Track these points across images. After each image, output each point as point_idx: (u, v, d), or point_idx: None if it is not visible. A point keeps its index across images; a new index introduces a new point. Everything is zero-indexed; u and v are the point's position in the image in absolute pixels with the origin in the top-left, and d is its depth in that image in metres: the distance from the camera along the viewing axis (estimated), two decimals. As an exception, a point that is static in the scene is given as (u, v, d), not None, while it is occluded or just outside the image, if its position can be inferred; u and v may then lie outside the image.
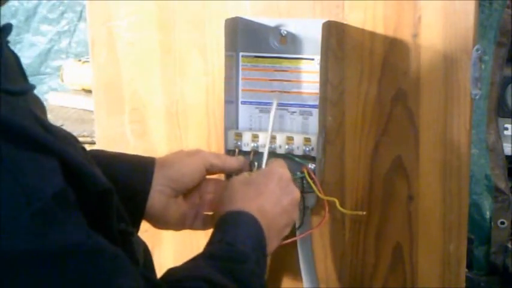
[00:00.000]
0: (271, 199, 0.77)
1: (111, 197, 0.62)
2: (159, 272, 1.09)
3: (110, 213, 0.63)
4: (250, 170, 0.90)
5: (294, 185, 0.82)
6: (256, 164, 0.92)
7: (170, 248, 1.08)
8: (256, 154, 0.94)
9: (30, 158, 0.52)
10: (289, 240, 0.94)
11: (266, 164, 0.89)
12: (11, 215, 0.50)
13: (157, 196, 0.82)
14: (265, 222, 0.74)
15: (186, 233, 1.06)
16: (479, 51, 0.90)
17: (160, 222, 0.84)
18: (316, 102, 0.94)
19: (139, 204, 0.81)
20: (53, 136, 0.56)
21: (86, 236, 0.55)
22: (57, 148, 0.55)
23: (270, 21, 0.95)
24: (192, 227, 0.87)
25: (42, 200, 0.51)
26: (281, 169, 0.82)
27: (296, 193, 0.82)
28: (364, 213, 0.96)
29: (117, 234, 0.65)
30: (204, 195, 0.87)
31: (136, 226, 0.82)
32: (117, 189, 0.65)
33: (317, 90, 0.93)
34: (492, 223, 1.45)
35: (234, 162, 0.88)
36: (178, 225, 0.86)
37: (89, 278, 0.54)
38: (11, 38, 0.60)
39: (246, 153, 0.96)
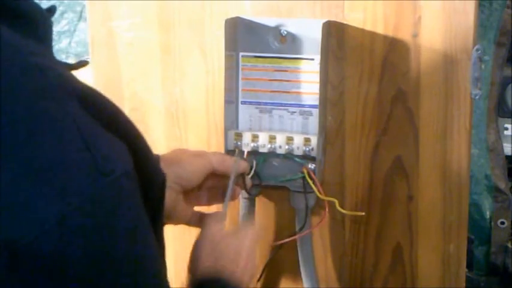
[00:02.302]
0: (243, 267, 0.80)
1: (164, 189, 0.61)
2: (159, 272, 1.09)
3: (162, 204, 0.62)
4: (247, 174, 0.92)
5: (253, 256, 0.83)
6: (253, 168, 0.93)
7: (170, 248, 1.08)
8: (249, 154, 0.95)
9: (104, 133, 0.50)
10: (289, 239, 0.94)
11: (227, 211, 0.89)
12: (78, 185, 0.47)
13: (168, 192, 0.82)
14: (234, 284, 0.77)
15: (186, 233, 1.06)
16: (479, 51, 0.89)
17: (168, 218, 0.85)
18: (316, 102, 0.94)
19: None
20: (127, 118, 0.54)
21: (148, 224, 0.54)
22: (130, 133, 0.53)
23: (270, 21, 0.95)
24: (188, 222, 0.89)
25: (112, 175, 0.49)
26: (253, 232, 0.84)
27: (256, 260, 0.84)
28: (363, 213, 0.96)
29: (162, 226, 0.64)
30: (201, 192, 0.89)
31: None
32: None
33: (317, 90, 0.93)
34: (492, 223, 1.45)
35: (234, 169, 0.89)
36: (180, 220, 0.88)
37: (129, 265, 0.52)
38: None
39: (246, 153, 0.96)
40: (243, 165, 0.91)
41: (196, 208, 0.91)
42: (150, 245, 0.55)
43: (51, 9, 0.58)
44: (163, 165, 0.82)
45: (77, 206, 0.47)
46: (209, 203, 0.91)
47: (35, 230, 0.45)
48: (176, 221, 0.88)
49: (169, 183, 0.81)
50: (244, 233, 0.85)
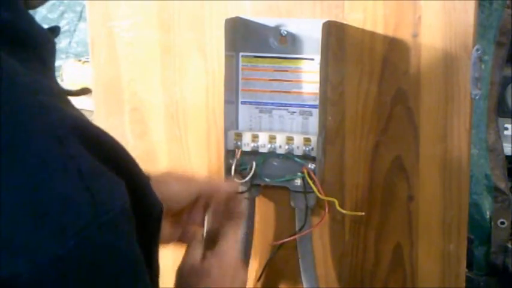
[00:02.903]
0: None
1: (161, 220, 0.61)
2: (160, 272, 1.09)
3: (158, 233, 0.62)
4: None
5: (242, 268, 0.82)
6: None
7: (170, 248, 1.08)
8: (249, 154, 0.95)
9: (102, 170, 0.50)
10: (289, 239, 0.94)
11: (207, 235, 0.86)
12: (75, 224, 0.47)
13: None
14: None
15: (186, 233, 1.06)
16: (479, 51, 0.90)
17: None
18: (316, 102, 0.94)
19: None
20: (125, 153, 0.54)
21: (145, 270, 0.55)
22: (128, 168, 0.54)
23: (270, 21, 0.95)
24: (180, 239, 0.88)
25: (110, 213, 0.49)
26: (231, 255, 0.82)
27: (245, 278, 0.83)
28: (363, 213, 0.96)
29: (156, 254, 0.65)
30: (194, 213, 0.87)
31: None
32: None
33: (317, 90, 0.93)
34: (492, 223, 1.45)
35: (224, 192, 0.86)
36: (167, 241, 0.86)
37: None
38: None
39: (246, 153, 0.96)
40: (233, 186, 0.88)
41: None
42: (146, 283, 0.56)
43: (55, 29, 0.59)
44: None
45: (73, 246, 0.47)
46: (199, 224, 0.87)
47: (31, 269, 0.46)
48: (164, 241, 0.87)
49: None
50: (222, 257, 0.82)
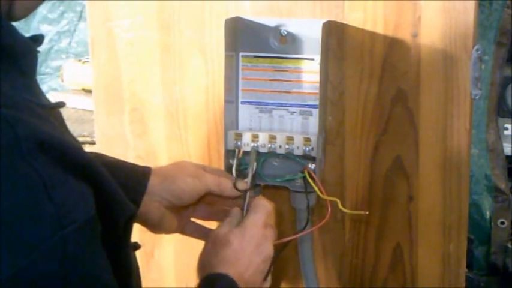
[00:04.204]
0: (247, 263, 0.82)
1: (132, 222, 0.63)
2: (160, 272, 1.09)
3: (128, 236, 0.64)
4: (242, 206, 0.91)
5: (267, 242, 0.85)
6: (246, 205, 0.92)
7: (170, 248, 1.08)
8: (246, 154, 0.95)
9: (67, 180, 0.52)
10: (291, 238, 0.94)
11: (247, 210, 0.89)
12: (41, 234, 0.49)
13: (156, 206, 0.85)
14: (242, 285, 0.79)
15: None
16: (479, 51, 0.89)
17: (155, 228, 0.88)
18: (316, 102, 0.94)
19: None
20: (92, 161, 0.55)
21: (109, 274, 0.56)
22: (95, 176, 0.55)
23: (270, 21, 0.95)
24: (182, 231, 0.91)
25: (74, 224, 0.51)
26: (255, 229, 0.85)
27: (269, 251, 0.85)
28: (367, 212, 0.96)
29: (129, 253, 0.66)
30: (199, 206, 0.91)
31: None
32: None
33: (317, 90, 0.93)
34: (492, 223, 1.45)
35: (231, 192, 0.89)
36: (171, 230, 0.90)
37: None
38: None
39: (246, 153, 0.96)
40: (243, 187, 0.90)
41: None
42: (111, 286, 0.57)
43: (38, 38, 0.60)
44: (155, 179, 0.84)
45: (36, 258, 0.48)
46: (208, 218, 0.92)
47: None
48: (165, 231, 0.90)
49: (158, 197, 0.84)
50: (247, 229, 0.85)
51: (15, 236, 0.48)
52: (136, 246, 0.72)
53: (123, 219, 0.61)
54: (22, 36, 0.58)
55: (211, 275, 0.79)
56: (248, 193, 0.91)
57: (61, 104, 0.61)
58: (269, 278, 0.88)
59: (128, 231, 0.64)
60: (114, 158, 0.87)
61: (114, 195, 0.59)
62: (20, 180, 0.49)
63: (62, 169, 0.51)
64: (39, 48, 0.62)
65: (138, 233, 1.08)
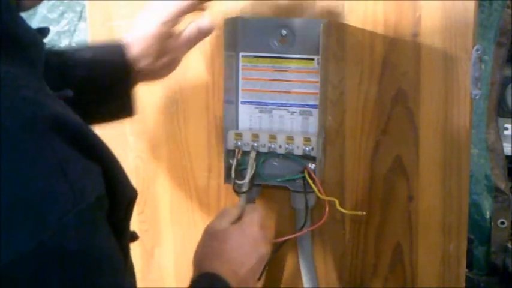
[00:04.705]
0: (243, 261, 0.83)
1: (134, 204, 0.64)
2: (160, 272, 1.09)
3: (128, 221, 0.65)
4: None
5: (264, 242, 0.87)
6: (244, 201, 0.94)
7: (170, 248, 1.08)
8: (245, 154, 0.95)
9: (79, 160, 0.54)
10: (288, 237, 0.94)
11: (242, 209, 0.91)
12: (56, 211, 0.50)
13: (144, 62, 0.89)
14: (235, 284, 0.80)
15: (186, 233, 1.06)
16: (479, 51, 0.89)
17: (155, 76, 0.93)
18: (316, 102, 0.94)
19: (127, 93, 0.90)
20: (101, 142, 0.58)
21: (118, 254, 0.58)
22: (104, 156, 0.57)
23: (270, 21, 0.95)
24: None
25: (87, 200, 0.53)
26: (253, 228, 0.86)
27: (265, 251, 0.87)
28: (364, 213, 0.96)
29: (128, 239, 0.67)
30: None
31: (131, 111, 0.92)
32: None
33: (317, 90, 0.93)
34: (492, 223, 1.45)
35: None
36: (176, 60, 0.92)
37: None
38: None
39: (246, 153, 0.96)
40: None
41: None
42: (120, 266, 0.59)
43: (44, 31, 0.62)
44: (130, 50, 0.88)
45: (53, 233, 0.50)
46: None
47: (12, 254, 0.48)
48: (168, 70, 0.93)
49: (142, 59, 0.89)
50: (245, 227, 0.86)
51: (32, 212, 0.50)
52: (134, 235, 0.73)
53: (126, 201, 0.62)
54: (30, 28, 0.59)
55: (206, 274, 0.80)
56: (246, 194, 0.92)
57: (68, 93, 0.63)
58: (262, 278, 0.88)
59: (129, 215, 0.65)
60: (84, 51, 0.91)
61: (120, 177, 0.60)
62: (37, 158, 0.51)
63: (74, 148, 0.53)
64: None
65: (137, 232, 1.08)
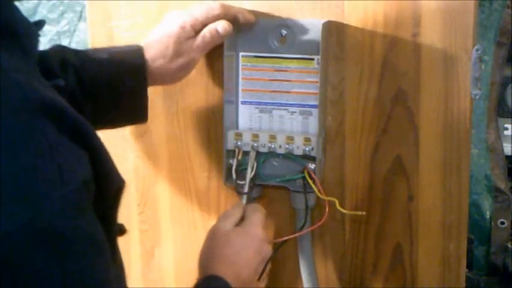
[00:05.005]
0: (246, 263, 0.85)
1: (121, 193, 0.66)
2: (160, 272, 1.09)
3: (115, 211, 0.66)
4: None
5: (267, 243, 0.88)
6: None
7: (170, 248, 1.08)
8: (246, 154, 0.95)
9: (67, 144, 0.55)
10: (288, 237, 0.94)
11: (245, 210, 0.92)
12: (44, 191, 0.52)
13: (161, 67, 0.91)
14: (238, 285, 0.82)
15: (186, 233, 1.06)
16: (479, 51, 0.89)
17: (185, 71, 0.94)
18: (316, 102, 0.94)
19: (141, 98, 0.92)
20: (89, 128, 0.59)
21: (104, 238, 0.59)
22: (92, 143, 0.59)
23: (270, 21, 0.95)
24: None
25: (74, 183, 0.54)
26: (256, 229, 0.88)
27: (268, 252, 0.88)
28: (364, 213, 0.96)
29: (115, 231, 0.68)
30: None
31: (144, 116, 0.94)
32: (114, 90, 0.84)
33: (317, 90, 0.93)
34: (492, 223, 1.45)
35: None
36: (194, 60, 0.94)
37: (88, 273, 0.56)
38: None
39: (246, 153, 0.96)
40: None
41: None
42: (105, 251, 0.60)
43: (40, 22, 0.65)
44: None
45: (40, 212, 0.52)
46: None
47: (2, 234, 0.50)
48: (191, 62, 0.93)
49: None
50: (248, 229, 0.86)
51: (20, 191, 0.51)
52: (122, 229, 0.73)
53: (113, 190, 0.64)
54: (24, 17, 0.61)
55: (209, 276, 0.81)
56: (247, 194, 0.92)
57: (59, 83, 0.64)
58: (264, 277, 0.88)
59: (116, 205, 0.66)
60: (104, 57, 0.92)
61: (107, 165, 0.62)
62: (27, 139, 0.52)
63: (62, 132, 0.55)
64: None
65: (138, 232, 1.08)
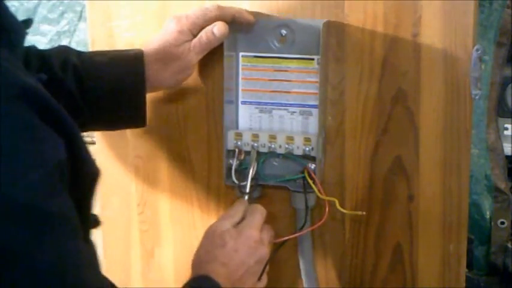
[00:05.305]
0: (239, 263, 0.85)
1: (97, 183, 0.68)
2: (160, 272, 1.09)
3: (91, 198, 0.68)
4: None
5: (262, 245, 0.88)
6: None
7: (170, 248, 1.08)
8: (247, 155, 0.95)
9: (44, 128, 0.58)
10: (288, 237, 0.94)
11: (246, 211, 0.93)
12: (20, 171, 0.55)
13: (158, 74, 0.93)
14: (229, 285, 0.82)
15: (186, 233, 1.06)
16: (479, 51, 0.89)
17: (184, 73, 0.95)
18: (316, 102, 0.94)
19: (139, 101, 0.92)
20: (68, 118, 0.61)
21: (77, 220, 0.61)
22: (68, 131, 0.61)
23: (270, 21, 0.95)
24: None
25: (49, 165, 0.57)
26: (252, 230, 0.88)
27: (263, 253, 0.88)
28: (364, 213, 0.96)
29: (90, 222, 0.70)
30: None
31: (142, 120, 0.95)
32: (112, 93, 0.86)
33: (317, 90, 0.93)
34: (492, 223, 1.45)
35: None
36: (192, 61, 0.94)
37: (63, 254, 0.58)
38: None
39: (246, 153, 0.96)
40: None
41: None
42: (78, 234, 0.62)
43: (28, 22, 0.68)
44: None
45: (17, 189, 0.54)
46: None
47: None
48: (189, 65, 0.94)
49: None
50: (244, 231, 0.87)
51: (2, 169, 0.54)
52: (97, 220, 0.74)
53: (87, 178, 0.66)
54: (12, 14, 0.64)
55: (200, 276, 0.82)
56: (247, 194, 0.92)
57: (42, 76, 0.67)
58: (264, 277, 0.89)
59: (90, 195, 0.68)
60: (103, 59, 0.93)
61: (82, 153, 0.64)
62: (4, 121, 0.55)
63: (40, 117, 0.58)
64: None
65: (138, 232, 1.08)
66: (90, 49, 1.05)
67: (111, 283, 0.67)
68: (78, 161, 0.62)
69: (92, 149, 0.99)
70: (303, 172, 0.94)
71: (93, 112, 0.90)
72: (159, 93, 1.03)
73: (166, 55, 0.91)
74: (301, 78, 0.95)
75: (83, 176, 0.64)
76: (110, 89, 0.90)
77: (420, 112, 0.92)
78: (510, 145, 1.47)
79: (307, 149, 0.93)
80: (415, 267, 0.97)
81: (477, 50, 0.89)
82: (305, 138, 0.93)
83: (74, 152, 0.61)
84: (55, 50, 0.91)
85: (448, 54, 0.90)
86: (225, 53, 0.94)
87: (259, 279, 0.88)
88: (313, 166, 0.94)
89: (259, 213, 0.91)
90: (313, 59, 0.94)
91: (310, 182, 0.93)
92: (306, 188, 0.94)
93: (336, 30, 0.93)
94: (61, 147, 0.59)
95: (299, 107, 0.96)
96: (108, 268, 1.11)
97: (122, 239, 1.09)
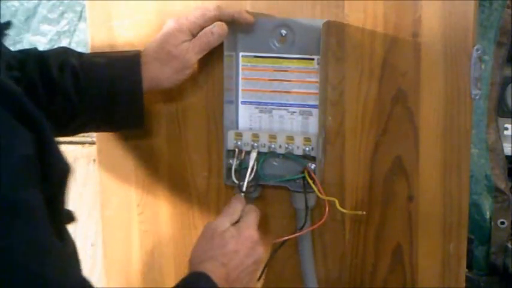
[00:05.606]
0: (238, 263, 0.85)
1: (68, 179, 0.68)
2: (160, 272, 1.09)
3: (63, 193, 0.69)
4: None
5: (260, 245, 0.88)
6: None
7: (170, 248, 1.08)
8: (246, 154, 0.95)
9: (10, 120, 0.59)
10: (288, 237, 0.94)
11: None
12: None
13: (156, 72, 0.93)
14: (227, 284, 0.82)
15: (186, 233, 1.06)
16: (479, 51, 0.90)
17: (183, 71, 0.95)
18: (316, 102, 0.94)
19: (136, 102, 0.92)
20: (38, 115, 0.62)
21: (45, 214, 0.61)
22: (37, 126, 0.61)
23: (270, 21, 0.95)
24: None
25: (16, 157, 0.57)
26: (250, 231, 0.88)
27: (261, 253, 0.88)
28: (364, 213, 0.96)
29: (63, 219, 0.71)
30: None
31: (140, 122, 0.95)
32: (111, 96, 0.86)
33: (317, 90, 0.93)
34: (492, 223, 1.45)
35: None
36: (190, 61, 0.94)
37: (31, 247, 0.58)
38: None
39: (246, 153, 0.96)
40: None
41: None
42: (47, 227, 0.61)
43: (7, 24, 0.69)
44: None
45: None
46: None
47: None
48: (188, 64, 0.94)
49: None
50: (242, 230, 0.87)
51: None
52: (71, 215, 0.74)
53: (58, 174, 0.66)
54: None
55: (197, 273, 0.81)
56: (247, 194, 0.92)
57: (15, 74, 0.69)
58: (262, 277, 0.89)
59: (62, 191, 0.68)
60: (101, 61, 0.93)
61: (52, 148, 0.64)
62: None
63: (9, 112, 0.58)
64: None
65: (137, 232, 1.08)
66: (90, 49, 1.05)
67: (91, 285, 0.65)
68: (48, 157, 0.63)
69: (92, 149, 0.99)
70: (303, 172, 0.94)
71: (90, 113, 0.90)
72: (158, 94, 1.03)
73: (165, 54, 0.91)
74: (301, 78, 0.95)
75: (52, 171, 0.64)
76: (106, 90, 0.90)
77: (420, 112, 0.93)
78: (510, 145, 1.47)
79: (307, 149, 0.93)
80: (415, 267, 0.97)
81: (477, 50, 0.89)
82: (305, 138, 0.93)
83: (44, 148, 0.62)
84: (54, 51, 0.91)
85: (448, 54, 0.90)
86: (225, 53, 0.94)
87: (259, 279, 0.88)
88: (313, 166, 0.94)
89: (255, 213, 0.91)
90: (313, 59, 0.94)
91: (310, 182, 0.93)
92: (306, 188, 0.94)
93: (336, 30, 0.93)
94: (28, 143, 0.60)
95: (299, 107, 0.96)
96: (108, 268, 1.11)
97: (122, 239, 1.09)
